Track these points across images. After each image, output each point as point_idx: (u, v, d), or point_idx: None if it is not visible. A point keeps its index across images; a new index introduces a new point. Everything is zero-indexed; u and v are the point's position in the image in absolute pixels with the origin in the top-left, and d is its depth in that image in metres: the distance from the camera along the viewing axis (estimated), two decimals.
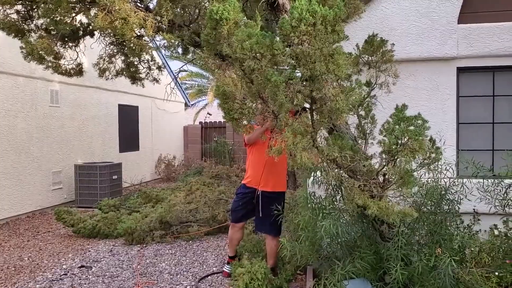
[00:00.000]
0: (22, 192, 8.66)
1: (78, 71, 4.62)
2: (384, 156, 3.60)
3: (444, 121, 5.36)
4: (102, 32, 4.18)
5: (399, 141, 3.46)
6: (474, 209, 4.58)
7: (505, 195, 4.19)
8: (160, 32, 3.40)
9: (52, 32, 4.01)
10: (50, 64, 4.12)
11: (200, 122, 17.34)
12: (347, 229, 4.20)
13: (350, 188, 3.52)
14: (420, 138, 3.36)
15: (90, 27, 4.19)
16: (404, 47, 5.39)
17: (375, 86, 4.47)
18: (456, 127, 5.39)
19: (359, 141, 4.29)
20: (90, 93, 10.91)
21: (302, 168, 4.73)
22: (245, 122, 3.28)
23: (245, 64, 2.92)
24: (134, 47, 3.46)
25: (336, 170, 3.59)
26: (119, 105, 12.34)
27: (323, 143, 3.63)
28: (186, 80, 21.90)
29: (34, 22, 4.17)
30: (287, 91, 2.91)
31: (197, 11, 3.71)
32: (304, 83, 3.02)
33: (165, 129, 15.24)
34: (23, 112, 8.71)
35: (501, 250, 4.24)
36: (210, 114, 18.09)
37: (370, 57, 4.75)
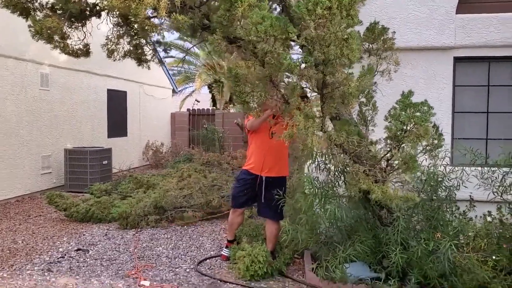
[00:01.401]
0: (11, 176, 8.55)
1: (86, 51, 4.55)
2: (389, 141, 3.67)
3: (440, 109, 5.44)
4: (110, 12, 4.14)
5: (405, 127, 3.53)
6: (470, 196, 4.69)
7: (503, 181, 4.29)
8: (173, 13, 3.36)
9: (58, 12, 3.93)
10: (57, 44, 4.05)
11: (188, 109, 17.26)
12: (349, 214, 4.26)
13: (355, 173, 3.58)
14: (426, 124, 3.44)
15: (98, 7, 4.13)
16: (403, 35, 5.43)
17: (375, 73, 4.53)
18: (451, 116, 5.49)
19: (360, 128, 4.36)
20: (80, 77, 10.78)
21: (301, 154, 4.78)
22: (255, 105, 3.30)
23: (258, 46, 2.94)
24: (146, 28, 3.41)
25: (341, 155, 3.64)
26: (108, 90, 12.20)
27: (329, 128, 3.68)
28: (173, 67, 21.73)
29: (39, 0, 4.07)
30: (301, 75, 2.94)
31: None
32: (316, 68, 3.05)
33: (152, 116, 15.13)
34: (13, 94, 8.57)
35: (495, 235, 4.36)
36: (198, 101, 18.03)
37: (370, 45, 4.79)
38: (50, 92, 9.67)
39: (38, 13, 3.96)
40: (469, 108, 5.55)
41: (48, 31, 3.69)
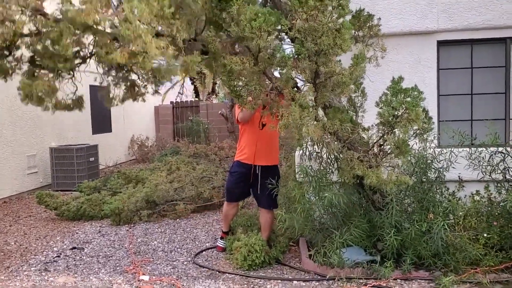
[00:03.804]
0: None
1: (79, 103, 4.46)
2: (381, 127, 3.74)
3: (426, 93, 5.51)
4: (109, 66, 4.11)
5: (396, 112, 3.60)
6: (459, 176, 4.81)
7: (491, 161, 4.42)
8: (180, 55, 3.27)
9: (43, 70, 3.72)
10: (48, 103, 3.90)
11: (171, 102, 17.14)
12: (344, 200, 4.33)
13: (349, 159, 3.65)
14: (417, 108, 3.51)
15: (88, 55, 4.06)
16: (387, 21, 5.48)
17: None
18: (437, 99, 5.59)
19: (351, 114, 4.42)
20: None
21: (295, 143, 4.83)
22: (249, 98, 3.33)
23: (253, 42, 2.96)
24: (153, 78, 3.44)
25: (335, 142, 3.71)
26: (90, 86, 12.05)
27: (322, 117, 3.73)
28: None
29: (15, 55, 3.76)
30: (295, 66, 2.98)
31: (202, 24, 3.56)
32: (310, 59, 3.08)
33: (135, 109, 14.96)
34: None
35: (484, 213, 4.49)
36: (181, 93, 17.89)
37: (356, 32, 4.84)
38: None
39: (17, 70, 3.76)
40: (453, 90, 5.66)
41: (40, 94, 3.57)
